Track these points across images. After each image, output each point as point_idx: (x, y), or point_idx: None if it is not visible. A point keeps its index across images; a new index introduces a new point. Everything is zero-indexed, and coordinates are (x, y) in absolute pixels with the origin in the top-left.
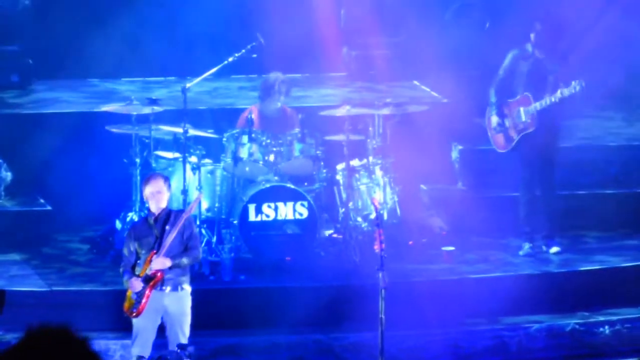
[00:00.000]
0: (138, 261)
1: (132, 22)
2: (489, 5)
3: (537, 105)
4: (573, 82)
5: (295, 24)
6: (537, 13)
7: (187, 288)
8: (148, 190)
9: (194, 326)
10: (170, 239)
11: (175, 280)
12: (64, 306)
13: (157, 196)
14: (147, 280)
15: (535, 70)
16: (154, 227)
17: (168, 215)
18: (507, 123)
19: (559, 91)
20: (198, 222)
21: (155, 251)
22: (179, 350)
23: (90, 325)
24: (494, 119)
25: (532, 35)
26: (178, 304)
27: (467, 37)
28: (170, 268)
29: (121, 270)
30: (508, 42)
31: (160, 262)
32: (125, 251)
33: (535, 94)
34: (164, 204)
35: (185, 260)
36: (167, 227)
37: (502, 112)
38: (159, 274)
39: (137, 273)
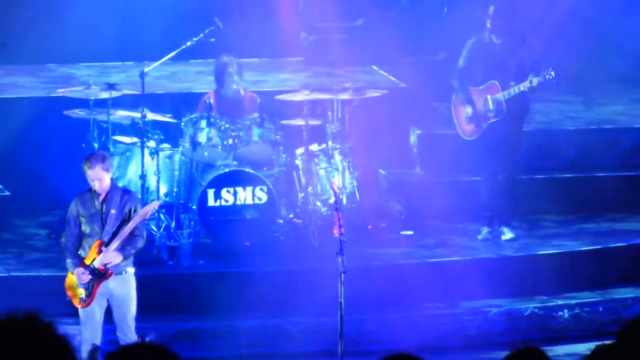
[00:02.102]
0: (83, 242)
1: (90, 6)
2: None
3: (505, 94)
4: (543, 72)
5: (253, 8)
6: None
7: (130, 270)
8: (88, 174)
9: (152, 311)
10: (123, 233)
11: (118, 264)
12: (23, 291)
13: (98, 181)
14: (95, 273)
15: (495, 56)
16: (100, 207)
17: (114, 195)
18: (476, 111)
19: (528, 80)
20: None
21: (101, 241)
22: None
23: (49, 310)
24: (468, 109)
25: (487, 21)
26: (123, 286)
27: (425, 22)
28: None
29: (63, 241)
30: (466, 27)
31: (111, 257)
32: (68, 220)
33: (500, 81)
34: (106, 184)
35: (133, 251)
36: (113, 211)
37: (471, 100)
38: (109, 271)
39: (82, 257)
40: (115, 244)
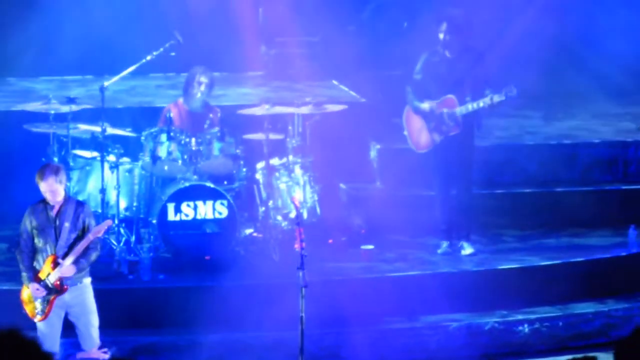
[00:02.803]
0: (37, 255)
1: (49, 21)
2: (406, 5)
3: (463, 109)
4: (504, 89)
5: (213, 22)
6: (444, 13)
7: (86, 281)
8: (41, 186)
9: (112, 325)
10: (77, 250)
11: (73, 276)
12: None
13: (50, 193)
14: (51, 288)
15: (449, 71)
16: (54, 219)
17: (67, 207)
18: (430, 125)
19: (488, 97)
20: (116, 222)
21: (55, 255)
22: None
23: (10, 324)
24: (418, 121)
25: (440, 35)
26: (79, 297)
27: (385, 37)
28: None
29: (18, 257)
30: (426, 42)
31: (66, 272)
32: (22, 232)
33: (457, 96)
34: (60, 197)
35: (87, 264)
36: (67, 224)
37: (425, 114)
38: (64, 287)
39: (37, 270)
40: (70, 259)
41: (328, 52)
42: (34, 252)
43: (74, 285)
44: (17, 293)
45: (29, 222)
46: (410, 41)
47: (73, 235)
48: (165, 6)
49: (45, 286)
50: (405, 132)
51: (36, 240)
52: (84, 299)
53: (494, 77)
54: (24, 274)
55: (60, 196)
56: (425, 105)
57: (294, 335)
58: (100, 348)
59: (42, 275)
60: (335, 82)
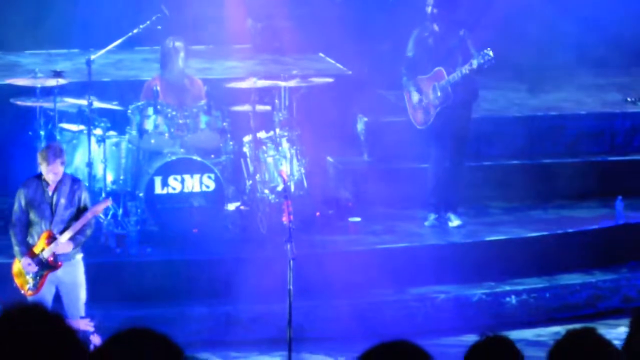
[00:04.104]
0: (31, 230)
1: None
2: None
3: (450, 79)
4: (481, 53)
5: None
6: None
7: (79, 256)
8: (45, 169)
9: (101, 299)
10: (75, 227)
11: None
12: None
13: (54, 175)
14: (44, 264)
15: (439, 45)
16: (50, 195)
17: (63, 184)
18: (425, 99)
19: (468, 64)
20: (104, 195)
21: (51, 231)
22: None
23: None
24: (415, 96)
25: (427, 9)
26: (71, 273)
27: (372, 10)
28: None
29: (11, 231)
30: (413, 17)
31: (62, 248)
32: (16, 207)
33: (447, 68)
34: (57, 173)
35: (83, 240)
36: (62, 200)
37: (420, 88)
38: (58, 262)
39: (31, 244)
40: (66, 236)
41: (315, 24)
42: (27, 227)
43: (67, 261)
44: (8, 266)
45: (23, 197)
46: (398, 14)
47: (68, 212)
48: None
49: (39, 261)
50: (410, 110)
51: (31, 216)
52: (75, 274)
53: (480, 49)
54: (16, 248)
55: (60, 176)
56: (415, 97)
57: (282, 308)
58: (82, 319)
59: (36, 250)
60: (322, 54)
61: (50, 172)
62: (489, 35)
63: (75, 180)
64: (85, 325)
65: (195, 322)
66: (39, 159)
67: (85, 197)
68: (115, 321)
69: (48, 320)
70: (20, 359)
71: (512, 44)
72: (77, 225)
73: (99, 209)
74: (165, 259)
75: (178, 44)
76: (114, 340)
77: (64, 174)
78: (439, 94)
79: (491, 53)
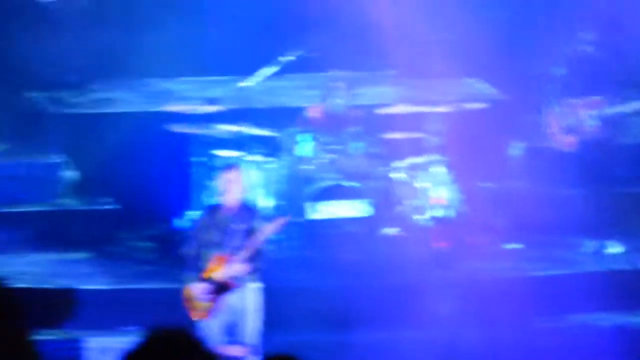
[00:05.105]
0: (201, 252)
1: (189, 21)
2: None
3: (611, 111)
4: None
5: (348, 22)
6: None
7: (254, 285)
8: (223, 178)
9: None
10: (249, 248)
11: (242, 277)
12: (130, 304)
13: (231, 185)
14: (217, 287)
15: (592, 67)
16: (226, 221)
17: (239, 210)
18: (574, 123)
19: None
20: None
21: (224, 255)
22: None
23: (156, 322)
24: (561, 120)
25: (581, 32)
26: (244, 300)
27: (519, 34)
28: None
29: (185, 255)
30: (562, 40)
31: (235, 269)
32: (192, 232)
33: (600, 93)
34: (237, 194)
35: (256, 265)
36: (237, 225)
37: (566, 113)
38: (232, 285)
39: (202, 269)
40: (241, 257)
41: (466, 49)
42: (200, 252)
43: (241, 287)
44: (166, 292)
45: (201, 223)
46: (545, 37)
47: (243, 237)
48: (304, 6)
49: (212, 285)
50: (551, 130)
51: (206, 241)
52: (248, 302)
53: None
54: (189, 274)
55: (235, 195)
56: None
57: (436, 335)
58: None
59: (208, 275)
60: (474, 79)
61: (226, 183)
62: None
63: (251, 207)
64: (238, 351)
65: (354, 349)
66: (221, 176)
67: (258, 222)
68: (272, 347)
69: (191, 346)
70: None
71: None
72: (251, 247)
73: (272, 228)
74: (321, 285)
75: (339, 84)
76: None
77: (240, 201)
78: (591, 121)
79: None
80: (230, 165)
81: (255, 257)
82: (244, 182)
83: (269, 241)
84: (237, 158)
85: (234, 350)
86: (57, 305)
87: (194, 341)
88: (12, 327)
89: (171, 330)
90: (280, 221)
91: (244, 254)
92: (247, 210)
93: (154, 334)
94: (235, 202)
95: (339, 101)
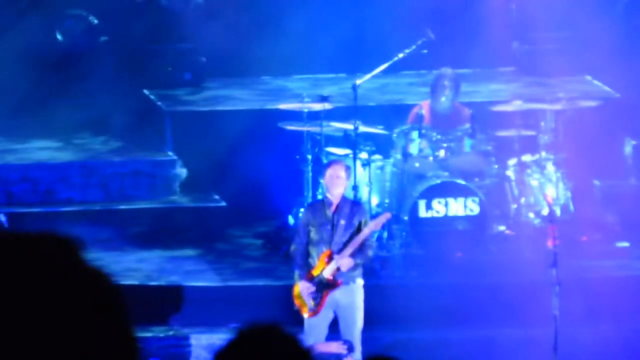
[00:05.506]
0: (308, 249)
1: (302, 20)
2: None
3: None
4: None
5: (466, 19)
6: None
7: (360, 281)
8: (328, 173)
9: (364, 321)
10: (354, 243)
11: (347, 274)
12: (238, 301)
13: (336, 180)
14: (324, 283)
15: None
16: (331, 216)
17: (344, 206)
18: None
19: None
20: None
21: (330, 250)
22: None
23: (264, 320)
24: None
25: None
26: (350, 297)
27: (635, 33)
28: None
29: (292, 250)
30: None
31: (342, 263)
32: (299, 230)
33: None
34: (341, 190)
35: (363, 260)
36: (342, 222)
37: None
38: (338, 281)
39: (310, 266)
40: (346, 252)
41: (581, 47)
42: (307, 249)
43: (347, 284)
44: (272, 289)
45: (306, 219)
46: None
47: (348, 233)
48: (416, 3)
49: (319, 282)
50: None
51: (312, 237)
52: (354, 298)
53: None
54: (296, 271)
55: (340, 190)
56: None
57: (547, 333)
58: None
59: (315, 272)
60: (588, 77)
61: (331, 177)
62: None
63: (356, 203)
64: (338, 348)
65: (455, 346)
66: (328, 170)
67: (365, 220)
68: (377, 344)
69: (284, 341)
70: None
71: None
72: (357, 241)
73: (379, 222)
74: (429, 282)
75: (446, 82)
76: None
77: (345, 197)
78: None
79: None
80: (335, 162)
81: (360, 253)
82: (350, 178)
83: (376, 238)
84: (347, 155)
85: (333, 347)
86: (165, 303)
87: (287, 336)
88: (116, 323)
89: (264, 326)
90: (385, 217)
91: (349, 250)
92: (352, 206)
93: (247, 329)
94: (340, 198)
95: (447, 99)
